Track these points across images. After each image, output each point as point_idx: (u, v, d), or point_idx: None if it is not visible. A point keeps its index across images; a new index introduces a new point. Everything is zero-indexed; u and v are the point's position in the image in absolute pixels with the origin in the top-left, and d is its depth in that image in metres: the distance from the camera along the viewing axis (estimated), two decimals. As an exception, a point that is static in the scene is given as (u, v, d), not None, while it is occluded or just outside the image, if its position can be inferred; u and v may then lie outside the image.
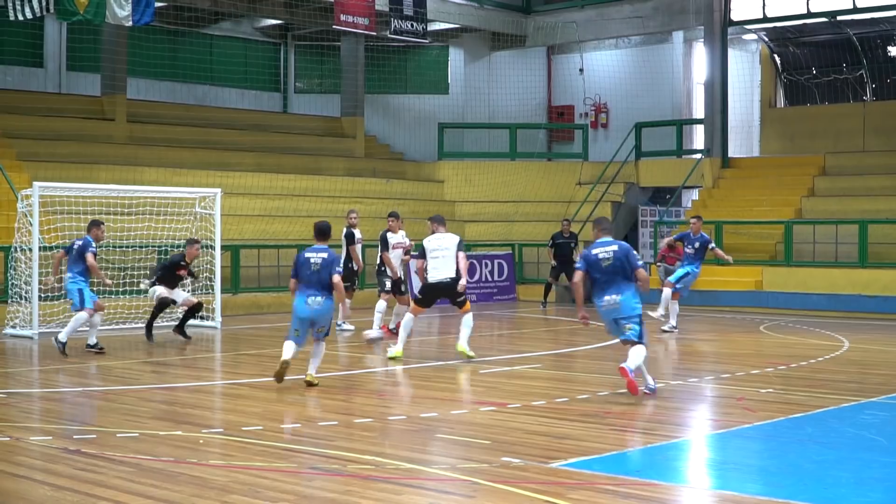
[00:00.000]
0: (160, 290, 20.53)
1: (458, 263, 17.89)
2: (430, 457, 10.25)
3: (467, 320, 17.87)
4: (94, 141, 31.74)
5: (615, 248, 14.21)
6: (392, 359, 17.53)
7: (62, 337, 18.60)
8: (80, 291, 18.77)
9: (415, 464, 9.93)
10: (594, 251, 14.23)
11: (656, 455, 10.65)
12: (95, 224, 19.39)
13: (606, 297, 14.10)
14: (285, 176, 33.34)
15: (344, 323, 22.82)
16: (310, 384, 14.83)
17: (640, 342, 14.10)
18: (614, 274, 14.08)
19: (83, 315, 18.73)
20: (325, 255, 15.16)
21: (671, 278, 22.83)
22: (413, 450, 10.61)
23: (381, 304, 21.51)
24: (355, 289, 23.02)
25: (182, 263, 20.81)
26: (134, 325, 20.99)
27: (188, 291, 23.24)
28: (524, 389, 14.72)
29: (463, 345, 17.76)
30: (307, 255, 15.20)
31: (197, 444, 10.83)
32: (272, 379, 14.83)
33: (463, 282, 18.12)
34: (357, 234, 22.79)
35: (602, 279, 14.13)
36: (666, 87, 39.14)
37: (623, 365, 13.78)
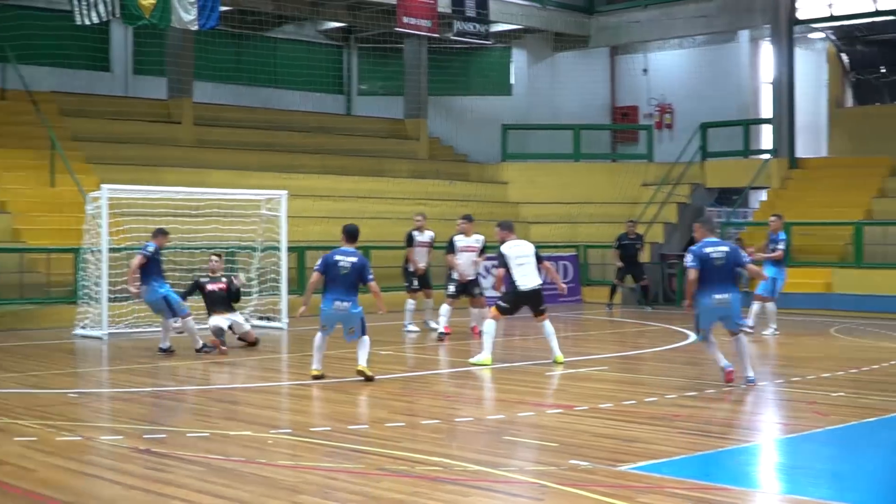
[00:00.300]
0: (214, 321, 19.81)
1: (546, 271, 17.97)
2: (497, 459, 10.24)
3: (551, 329, 17.80)
4: (161, 144, 32.06)
5: (726, 248, 15.02)
6: (476, 365, 17.38)
7: (197, 345, 18.93)
8: (166, 299, 18.92)
9: (482, 466, 9.93)
10: (707, 250, 14.91)
11: (726, 459, 10.59)
12: (162, 232, 19.48)
13: (717, 296, 14.86)
14: (349, 178, 33.47)
15: (410, 324, 22.90)
16: (366, 377, 15.30)
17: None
18: (725, 273, 14.91)
19: (190, 322, 19.05)
20: (354, 259, 15.73)
21: (763, 291, 22.26)
22: (480, 452, 10.62)
23: (446, 308, 21.58)
24: (414, 290, 23.06)
25: (203, 280, 20.32)
26: (202, 326, 21.02)
27: (257, 294, 23.38)
28: (591, 392, 14.69)
29: (559, 353, 17.70)
30: (336, 257, 15.76)
31: (266, 445, 10.90)
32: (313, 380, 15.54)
33: (563, 285, 18.87)
34: (422, 236, 22.89)
35: (713, 278, 14.85)
36: (732, 86, 38.89)
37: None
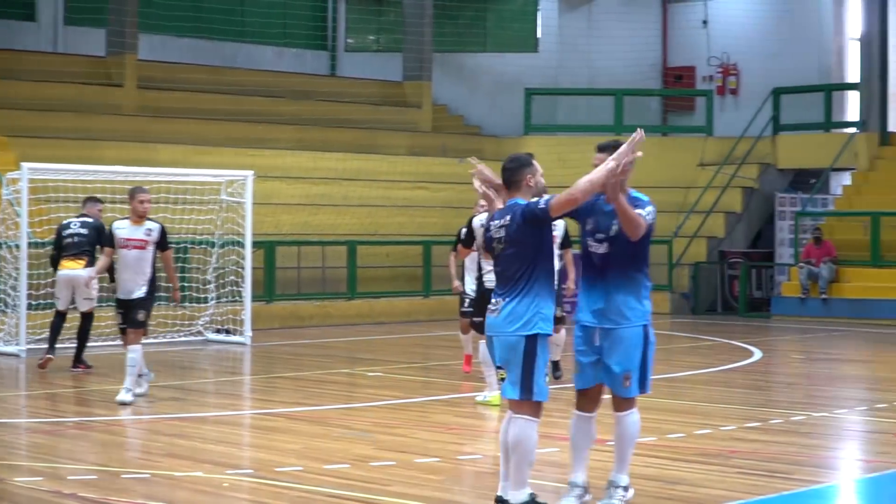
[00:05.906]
0: None
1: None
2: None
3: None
4: (97, 112, 31.97)
5: None
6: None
7: None
8: None
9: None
10: None
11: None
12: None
13: None
14: (333, 155, 33.39)
15: None
16: None
17: None
18: None
19: None
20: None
21: None
22: (485, 496, 10.63)
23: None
24: None
25: None
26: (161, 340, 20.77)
27: (214, 301, 23.41)
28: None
29: None
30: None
31: (220, 489, 10.94)
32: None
33: None
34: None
35: None
36: (811, 44, 38.66)
37: None
